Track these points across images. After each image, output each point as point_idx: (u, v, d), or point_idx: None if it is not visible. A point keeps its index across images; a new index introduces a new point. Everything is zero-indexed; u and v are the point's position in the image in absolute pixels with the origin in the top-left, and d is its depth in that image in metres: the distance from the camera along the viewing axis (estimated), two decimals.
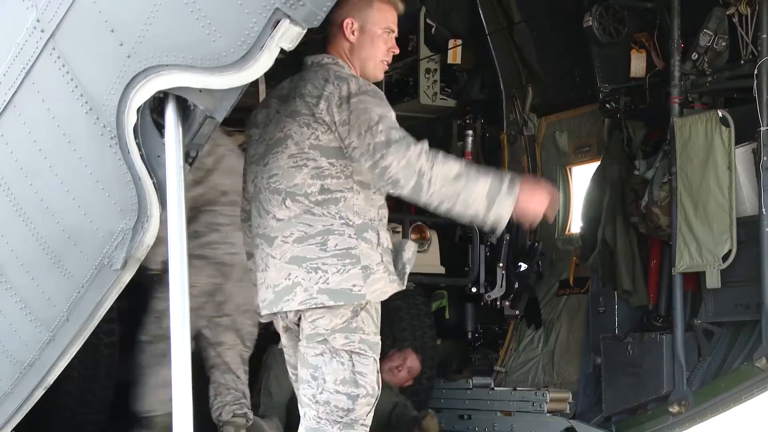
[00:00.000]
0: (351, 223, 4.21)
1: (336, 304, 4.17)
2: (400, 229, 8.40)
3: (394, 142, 4.09)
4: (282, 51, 3.84)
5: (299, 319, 4.29)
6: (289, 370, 4.51)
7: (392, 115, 4.21)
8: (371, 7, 4.36)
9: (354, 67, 4.38)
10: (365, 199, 4.26)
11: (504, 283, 8.82)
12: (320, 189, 4.20)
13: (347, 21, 4.33)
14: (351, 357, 4.21)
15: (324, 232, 4.18)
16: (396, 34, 4.45)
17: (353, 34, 4.36)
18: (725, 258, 7.14)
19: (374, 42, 4.39)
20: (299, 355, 4.30)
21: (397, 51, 4.49)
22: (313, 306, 4.17)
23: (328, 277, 4.16)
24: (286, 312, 4.28)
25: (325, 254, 4.17)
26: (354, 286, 4.18)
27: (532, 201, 4.20)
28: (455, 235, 9.12)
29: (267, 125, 4.37)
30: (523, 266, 8.86)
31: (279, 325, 4.43)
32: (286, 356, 4.50)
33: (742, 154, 7.15)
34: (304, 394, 4.27)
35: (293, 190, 4.21)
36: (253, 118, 4.50)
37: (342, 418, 4.21)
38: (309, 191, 4.20)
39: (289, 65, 4.26)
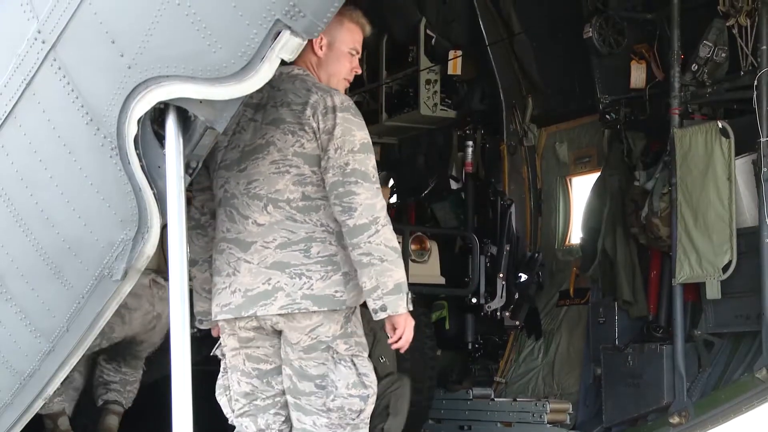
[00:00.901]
0: (331, 230, 4.30)
1: (319, 310, 4.25)
2: (400, 239, 8.40)
3: (372, 181, 4.25)
4: (282, 62, 3.86)
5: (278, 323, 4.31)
6: (249, 366, 4.43)
7: (370, 140, 4.34)
8: (341, 25, 4.45)
9: (320, 80, 4.47)
10: None
11: (504, 294, 8.80)
12: (302, 196, 4.29)
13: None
14: (353, 360, 4.33)
15: (307, 239, 4.27)
16: (360, 55, 4.58)
17: (321, 49, 4.44)
18: (725, 269, 7.14)
19: (340, 59, 4.49)
20: (293, 368, 4.32)
21: (359, 71, 4.62)
22: (296, 311, 4.24)
23: (312, 283, 4.24)
24: (265, 316, 4.28)
25: (309, 261, 4.26)
26: (336, 291, 4.27)
27: (410, 325, 4.31)
28: (455, 246, 9.13)
29: (240, 132, 4.41)
30: (524, 277, 8.86)
31: (236, 327, 4.38)
32: (247, 352, 4.42)
33: (742, 165, 7.16)
34: (309, 404, 4.31)
35: (275, 196, 4.29)
36: (230, 146, 4.46)
37: (353, 420, 4.33)
38: (291, 197, 4.29)
39: None
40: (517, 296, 8.85)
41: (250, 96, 4.33)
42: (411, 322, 4.30)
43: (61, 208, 4.36)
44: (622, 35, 8.30)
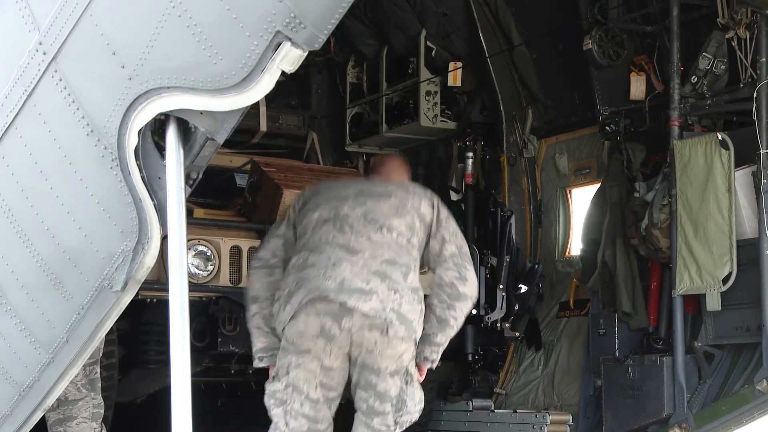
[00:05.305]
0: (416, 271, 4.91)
1: (399, 326, 4.70)
2: None
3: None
4: (283, 73, 3.87)
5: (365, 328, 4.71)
6: (319, 392, 4.80)
7: None
8: None
9: None
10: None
11: (504, 305, 8.80)
12: (407, 240, 4.87)
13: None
14: (414, 379, 4.91)
15: (406, 265, 4.84)
16: None
17: None
18: (725, 280, 7.14)
19: None
20: (376, 391, 4.77)
21: None
22: (380, 320, 4.66)
23: (402, 303, 4.74)
24: (354, 308, 4.65)
25: (404, 283, 4.78)
26: (414, 319, 4.78)
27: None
28: None
29: (362, 204, 4.91)
30: (524, 288, 8.86)
31: (316, 309, 4.67)
32: (322, 380, 4.79)
33: (741, 176, 7.16)
34: (380, 423, 4.79)
35: (390, 225, 4.86)
36: (343, 191, 4.99)
37: (404, 428, 4.87)
38: (402, 232, 4.86)
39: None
40: (517, 307, 8.85)
41: (365, 188, 4.98)
42: None
43: (62, 219, 4.36)
44: (622, 47, 8.32)
